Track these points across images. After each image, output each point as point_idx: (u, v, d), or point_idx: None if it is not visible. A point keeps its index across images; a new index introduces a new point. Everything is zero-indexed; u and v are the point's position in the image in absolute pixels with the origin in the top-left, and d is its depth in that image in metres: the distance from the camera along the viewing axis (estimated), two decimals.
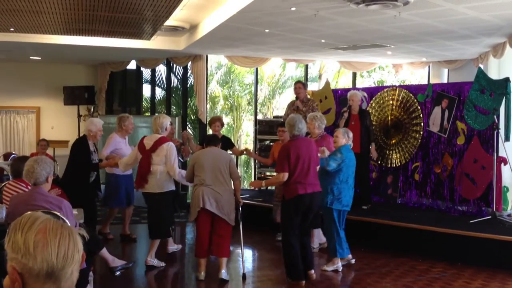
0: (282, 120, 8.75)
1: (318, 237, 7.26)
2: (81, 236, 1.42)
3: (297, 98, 8.49)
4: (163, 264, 6.46)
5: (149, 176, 6.19)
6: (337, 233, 6.26)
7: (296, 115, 6.31)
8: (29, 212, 1.37)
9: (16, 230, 1.33)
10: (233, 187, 5.98)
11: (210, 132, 8.32)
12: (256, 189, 8.44)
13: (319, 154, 6.06)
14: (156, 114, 12.43)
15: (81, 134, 12.02)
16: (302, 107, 8.31)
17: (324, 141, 6.71)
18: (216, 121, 8.02)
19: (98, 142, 7.50)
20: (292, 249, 5.64)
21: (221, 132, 8.14)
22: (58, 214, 4.13)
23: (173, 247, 7.10)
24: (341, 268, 6.33)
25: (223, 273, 5.88)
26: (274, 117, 11.28)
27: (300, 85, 8.58)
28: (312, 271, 5.85)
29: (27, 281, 1.30)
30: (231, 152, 7.81)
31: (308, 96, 8.71)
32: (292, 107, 8.50)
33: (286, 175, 5.57)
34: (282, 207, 5.86)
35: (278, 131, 7.55)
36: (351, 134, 6.40)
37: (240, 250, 6.43)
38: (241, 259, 6.42)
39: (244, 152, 8.75)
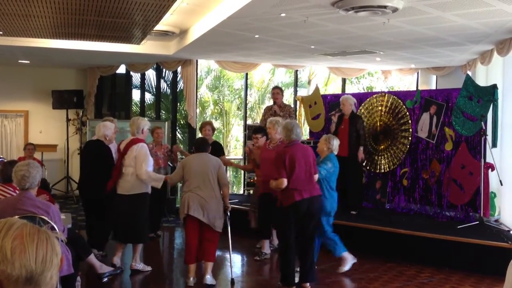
0: (259, 125, 8.79)
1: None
2: (60, 239, 1.41)
3: (274, 103, 8.54)
4: (149, 268, 6.45)
5: (121, 178, 6.19)
6: (331, 236, 6.39)
7: (292, 120, 6.30)
8: (3, 219, 1.36)
9: None
10: (221, 193, 5.97)
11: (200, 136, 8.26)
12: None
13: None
14: (146, 119, 12.42)
15: (69, 137, 12.08)
16: (279, 111, 8.35)
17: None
18: (207, 125, 7.99)
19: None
20: (288, 255, 5.63)
21: (212, 138, 8.10)
22: (46, 218, 4.12)
23: (139, 265, 6.49)
24: (354, 259, 6.54)
25: (207, 278, 5.88)
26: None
27: (278, 90, 8.64)
28: (308, 285, 5.71)
29: (6, 287, 1.29)
30: None
31: (286, 102, 8.79)
32: (270, 112, 8.54)
33: (285, 181, 5.49)
34: (280, 214, 5.77)
35: (253, 138, 7.40)
36: (334, 141, 6.34)
37: (229, 255, 6.42)
38: (229, 264, 6.41)
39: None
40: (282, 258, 5.75)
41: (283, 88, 9.86)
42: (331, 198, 6.30)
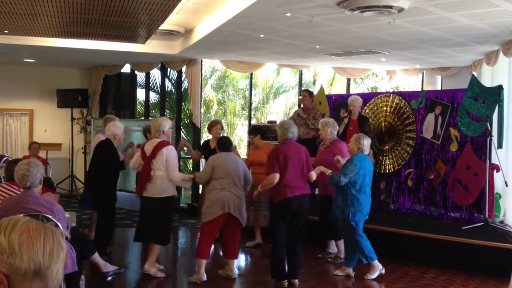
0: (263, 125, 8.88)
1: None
2: (65, 237, 1.42)
3: (300, 105, 8.58)
4: (162, 274, 6.22)
5: (150, 181, 6.06)
6: (363, 242, 6.18)
7: (287, 120, 6.41)
8: (8, 217, 1.37)
9: None
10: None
11: (209, 136, 8.24)
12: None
13: (337, 165, 6.15)
14: (151, 118, 12.44)
15: (74, 136, 12.11)
16: (302, 114, 8.38)
17: (334, 147, 6.64)
18: (217, 124, 7.98)
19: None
20: (279, 250, 5.74)
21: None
22: (50, 216, 4.12)
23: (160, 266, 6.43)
24: (383, 271, 6.27)
25: (236, 273, 6.25)
26: (268, 122, 11.28)
27: (305, 93, 8.73)
28: (296, 281, 5.82)
29: (14, 281, 1.29)
30: None
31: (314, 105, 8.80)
32: (294, 114, 8.65)
33: (277, 176, 5.62)
34: (271, 210, 5.96)
35: (250, 138, 7.64)
36: (365, 141, 6.14)
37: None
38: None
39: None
40: (272, 255, 5.86)
41: (311, 90, 9.83)
42: (365, 201, 6.15)
